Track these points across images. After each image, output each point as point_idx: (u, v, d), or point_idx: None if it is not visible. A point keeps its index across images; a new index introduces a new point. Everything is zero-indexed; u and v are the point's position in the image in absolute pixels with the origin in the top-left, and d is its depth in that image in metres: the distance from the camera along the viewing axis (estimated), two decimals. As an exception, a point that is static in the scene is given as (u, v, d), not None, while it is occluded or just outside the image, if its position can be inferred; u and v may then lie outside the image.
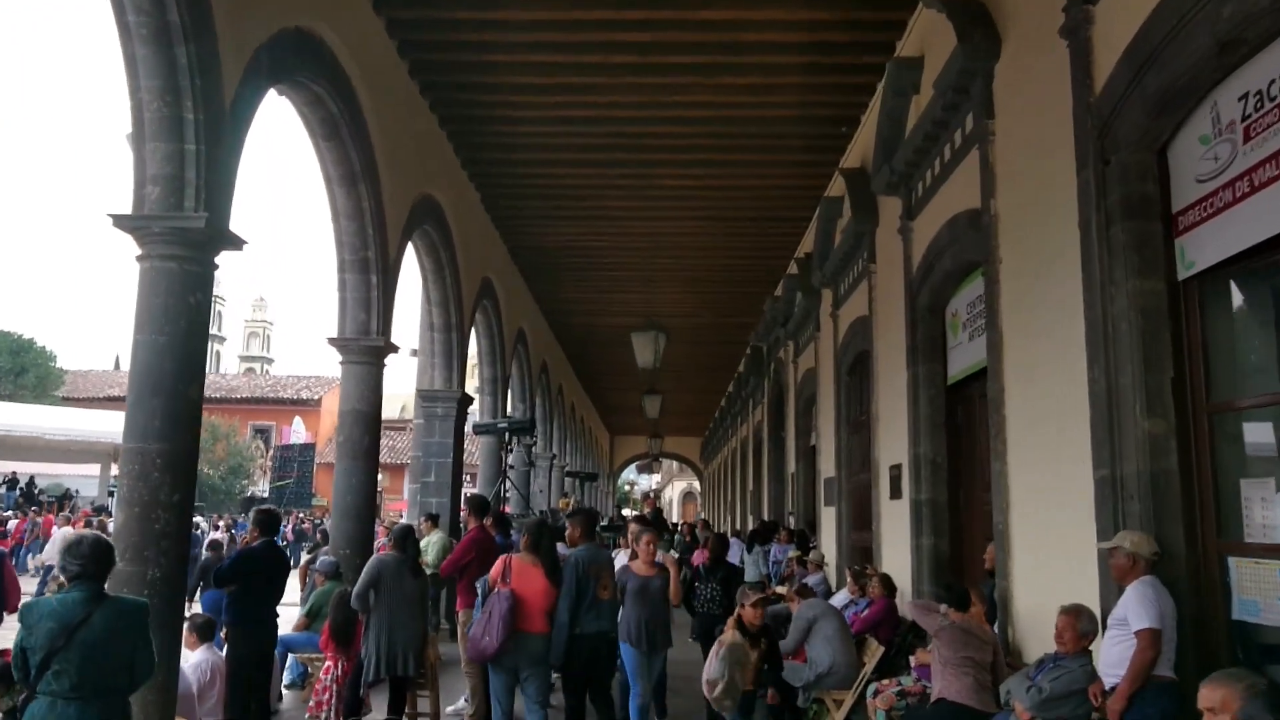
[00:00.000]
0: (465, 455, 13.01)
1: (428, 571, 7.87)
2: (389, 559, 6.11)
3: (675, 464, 54.57)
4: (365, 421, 8.38)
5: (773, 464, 17.29)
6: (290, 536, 25.04)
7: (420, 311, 11.62)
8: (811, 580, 10.98)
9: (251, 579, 5.95)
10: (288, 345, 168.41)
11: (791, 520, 14.38)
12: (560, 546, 6.26)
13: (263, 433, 44.18)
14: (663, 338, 13.24)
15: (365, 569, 6.07)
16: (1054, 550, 5.23)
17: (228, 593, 6.07)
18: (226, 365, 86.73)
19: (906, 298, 7.92)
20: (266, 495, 34.34)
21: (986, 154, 6.18)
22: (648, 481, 67.75)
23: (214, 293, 5.49)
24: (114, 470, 34.92)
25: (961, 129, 6.76)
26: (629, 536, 7.58)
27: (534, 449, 18.07)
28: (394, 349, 8.69)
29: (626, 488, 57.86)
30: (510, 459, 15.85)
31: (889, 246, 8.71)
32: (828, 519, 11.67)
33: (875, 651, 6.98)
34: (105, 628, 3.41)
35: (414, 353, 11.73)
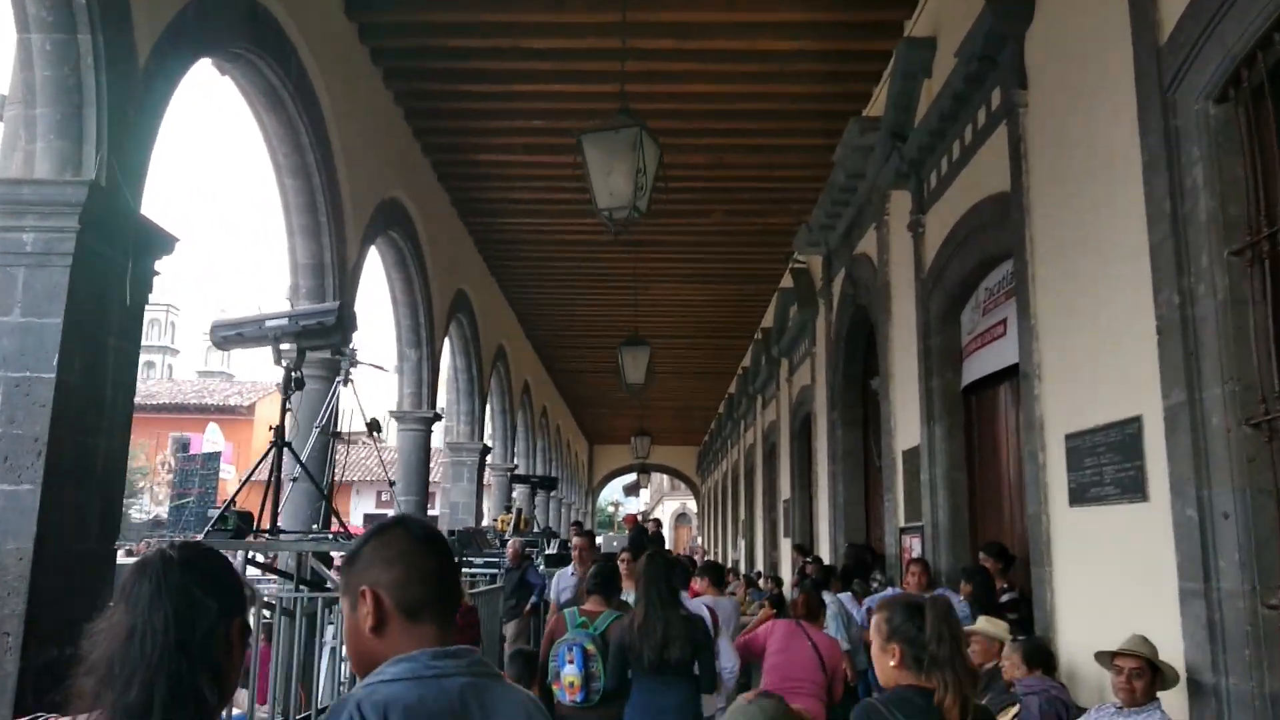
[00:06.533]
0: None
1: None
2: None
3: (666, 480, 47.06)
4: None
5: (841, 449, 10.01)
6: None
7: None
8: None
9: None
10: (249, 362, 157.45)
11: (915, 545, 7.07)
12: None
13: (186, 445, 37.10)
14: (653, 147, 6.01)
15: None
16: None
17: None
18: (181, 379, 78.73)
19: None
20: (165, 518, 28.50)
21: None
22: (635, 504, 59.61)
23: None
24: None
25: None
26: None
27: (351, 362, 10.22)
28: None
29: (610, 508, 50.11)
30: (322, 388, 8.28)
31: None
32: (1094, 534, 4.44)
33: None
34: None
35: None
